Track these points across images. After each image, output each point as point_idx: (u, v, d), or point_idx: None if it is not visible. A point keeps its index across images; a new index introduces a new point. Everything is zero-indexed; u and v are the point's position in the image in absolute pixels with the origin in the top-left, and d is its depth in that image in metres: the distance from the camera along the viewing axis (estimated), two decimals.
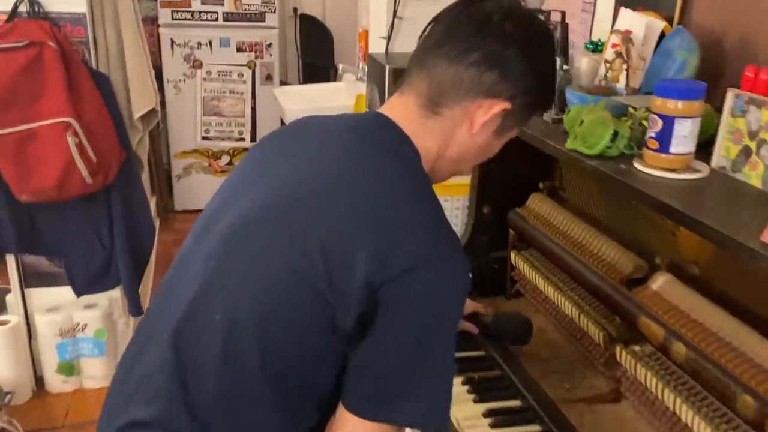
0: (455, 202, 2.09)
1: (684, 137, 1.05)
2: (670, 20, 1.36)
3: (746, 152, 1.03)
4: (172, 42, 3.91)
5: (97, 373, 2.56)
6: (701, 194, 1.04)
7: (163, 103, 3.73)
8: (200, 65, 3.97)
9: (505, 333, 1.43)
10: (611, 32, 1.35)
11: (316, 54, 4.56)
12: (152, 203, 3.20)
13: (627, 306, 1.18)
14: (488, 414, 1.24)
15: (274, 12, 3.98)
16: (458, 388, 1.32)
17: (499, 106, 0.93)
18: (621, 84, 1.30)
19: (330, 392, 0.91)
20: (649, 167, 1.09)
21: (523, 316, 1.45)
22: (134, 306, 2.51)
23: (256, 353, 0.87)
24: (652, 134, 1.07)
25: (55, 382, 2.53)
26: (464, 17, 0.93)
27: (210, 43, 3.95)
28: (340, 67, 3.67)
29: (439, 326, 0.87)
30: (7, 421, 2.23)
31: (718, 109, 1.10)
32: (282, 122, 3.50)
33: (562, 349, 1.43)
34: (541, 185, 1.58)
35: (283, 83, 4.22)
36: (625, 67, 1.27)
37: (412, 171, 0.93)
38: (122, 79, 2.36)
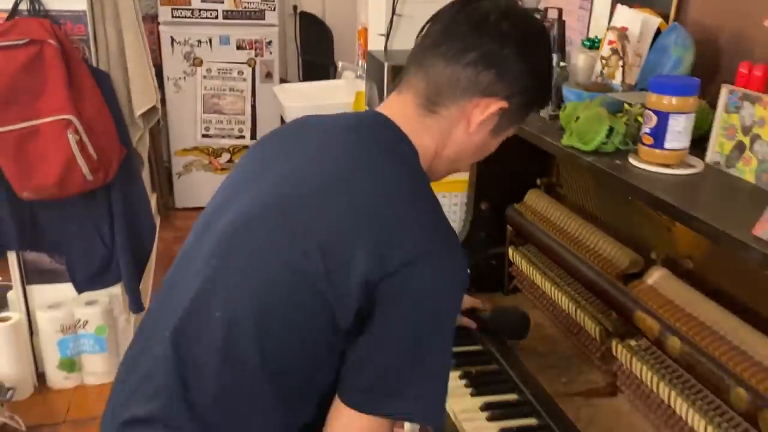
0: (453, 198, 2.10)
1: (678, 133, 1.06)
2: (666, 17, 1.37)
3: (740, 148, 1.04)
4: (172, 40, 3.92)
5: (98, 369, 2.57)
6: (695, 189, 1.05)
7: (163, 101, 3.74)
8: (200, 63, 3.98)
9: (502, 328, 1.44)
10: (607, 29, 1.36)
11: (315, 51, 4.56)
12: (153, 201, 3.21)
13: (623, 300, 1.19)
14: (485, 407, 1.25)
15: (274, 10, 3.99)
16: (455, 382, 1.33)
17: (495, 105, 0.94)
18: (617, 80, 1.31)
19: (330, 390, 0.91)
20: (644, 163, 1.10)
21: (520, 311, 1.46)
22: (135, 303, 2.53)
23: (256, 352, 0.87)
24: (647, 130, 1.08)
25: (57, 378, 2.54)
26: (461, 17, 0.94)
27: (210, 40, 3.96)
28: (340, 64, 3.68)
29: (437, 322, 0.88)
30: (8, 417, 2.24)
31: (714, 106, 1.11)
32: (282, 120, 3.51)
33: (559, 344, 1.44)
34: (538, 181, 1.59)
35: (283, 81, 4.23)
36: (621, 63, 1.28)
37: (411, 170, 0.94)
38: (122, 76, 2.37)
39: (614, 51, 1.30)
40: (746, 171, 1.03)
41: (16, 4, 2.17)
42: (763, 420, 0.91)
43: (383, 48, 2.56)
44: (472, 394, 1.30)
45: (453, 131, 0.96)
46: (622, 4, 1.43)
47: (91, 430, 2.34)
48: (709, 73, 1.26)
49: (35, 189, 2.18)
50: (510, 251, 1.59)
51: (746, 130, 1.03)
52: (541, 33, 1.00)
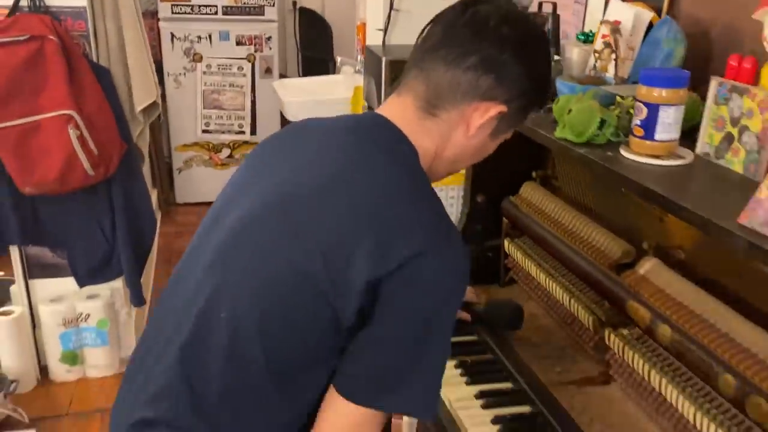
0: (450, 191, 2.12)
1: (668, 124, 1.07)
2: (658, 11, 1.38)
3: (729, 139, 1.06)
4: (172, 36, 3.94)
5: (99, 362, 2.59)
6: (684, 180, 1.07)
7: (163, 97, 3.75)
8: (200, 59, 3.99)
9: (497, 320, 1.46)
10: (601, 23, 1.38)
11: (315, 47, 4.58)
12: (154, 196, 3.23)
13: (615, 290, 1.21)
14: (480, 395, 1.27)
15: (273, 5, 4.00)
16: (451, 371, 1.35)
17: (495, 110, 0.95)
18: (610, 74, 1.33)
19: None
20: (634, 154, 1.12)
21: (514, 303, 1.48)
22: (136, 296, 2.55)
23: (260, 351, 0.88)
24: (638, 122, 1.10)
25: (59, 371, 2.57)
26: (462, 20, 0.94)
27: (210, 36, 3.97)
28: (339, 59, 3.69)
29: (438, 320, 0.88)
30: (12, 409, 2.27)
31: (705, 98, 1.13)
32: (282, 115, 3.53)
33: (554, 334, 1.46)
34: (534, 174, 1.60)
35: (282, 76, 4.24)
36: (613, 57, 1.30)
37: (410, 169, 0.94)
38: (123, 72, 2.38)
39: (607, 45, 1.32)
40: (735, 162, 1.05)
41: (16, 1, 2.18)
42: (750, 405, 0.93)
43: (381, 43, 2.57)
44: (467, 383, 1.32)
45: (452, 134, 0.97)
46: None
47: (93, 423, 2.36)
48: (700, 65, 1.28)
49: (37, 184, 2.20)
50: (506, 243, 1.60)
51: (735, 122, 1.04)
52: (540, 37, 1.01)
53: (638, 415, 1.18)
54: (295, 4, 4.60)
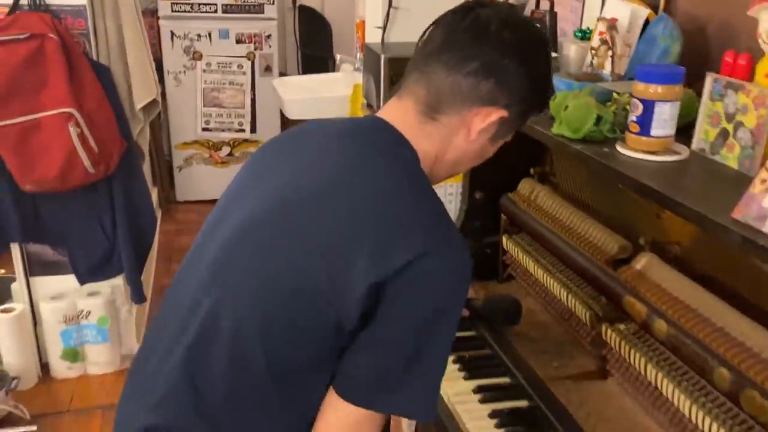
0: (448, 188, 2.12)
1: (664, 120, 1.08)
2: (655, 8, 1.39)
3: (724, 135, 1.06)
4: (172, 34, 3.94)
5: (100, 359, 2.60)
6: (680, 175, 1.07)
7: (163, 95, 3.76)
8: (200, 57, 4.00)
9: (495, 315, 1.46)
10: (598, 20, 1.38)
11: (314, 45, 4.58)
12: (154, 194, 3.23)
13: (612, 286, 1.22)
14: (478, 390, 1.28)
15: (273, 3, 4.01)
16: (449, 366, 1.34)
17: (496, 114, 0.95)
18: (607, 70, 1.34)
19: None
20: (630, 150, 1.13)
21: (511, 298, 1.49)
22: (136, 294, 2.56)
23: (262, 353, 0.88)
24: (634, 118, 1.11)
25: (60, 368, 2.57)
26: (463, 25, 0.94)
27: (209, 34, 3.98)
28: (338, 57, 3.70)
29: (439, 322, 0.88)
30: (13, 406, 2.28)
31: (701, 94, 1.13)
32: (281, 113, 3.53)
33: (551, 329, 1.47)
34: (532, 171, 1.61)
35: (282, 74, 4.25)
36: (610, 54, 1.30)
37: (411, 171, 0.94)
38: (123, 70, 2.39)
39: (604, 41, 1.32)
40: (730, 157, 1.06)
41: None
42: (745, 399, 0.94)
43: (380, 40, 2.58)
44: (465, 378, 1.33)
45: (453, 138, 0.97)
46: None
47: (94, 419, 2.37)
48: (696, 62, 1.28)
49: (37, 181, 2.20)
50: (504, 240, 1.61)
51: (730, 118, 1.05)
52: (541, 42, 1.01)
53: (635, 410, 1.19)
54: (294, 2, 4.60)
